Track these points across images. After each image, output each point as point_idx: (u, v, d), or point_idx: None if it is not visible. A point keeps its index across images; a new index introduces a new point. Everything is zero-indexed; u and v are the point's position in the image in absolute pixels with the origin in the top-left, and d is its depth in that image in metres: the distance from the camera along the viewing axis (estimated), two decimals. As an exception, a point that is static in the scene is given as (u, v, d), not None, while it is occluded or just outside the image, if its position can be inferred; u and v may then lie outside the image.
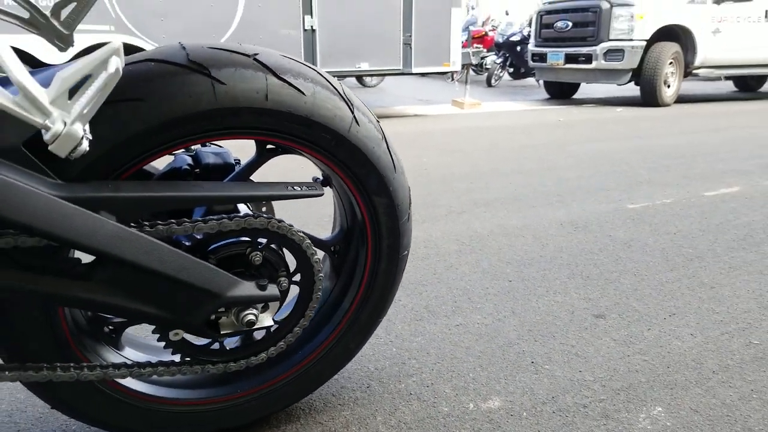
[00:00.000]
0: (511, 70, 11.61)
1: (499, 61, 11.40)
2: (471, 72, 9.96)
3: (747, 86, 10.23)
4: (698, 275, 2.04)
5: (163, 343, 1.00)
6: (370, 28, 6.63)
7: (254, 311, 0.97)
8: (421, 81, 12.12)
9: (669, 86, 7.69)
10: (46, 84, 0.74)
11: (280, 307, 1.07)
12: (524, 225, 2.61)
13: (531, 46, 8.84)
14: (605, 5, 7.64)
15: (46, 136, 0.68)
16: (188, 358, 1.03)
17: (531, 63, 8.95)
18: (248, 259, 1.00)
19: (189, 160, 1.10)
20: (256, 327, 0.99)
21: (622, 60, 7.55)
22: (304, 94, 0.98)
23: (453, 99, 8.06)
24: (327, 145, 1.02)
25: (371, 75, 9.68)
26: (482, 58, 11.94)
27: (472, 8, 12.13)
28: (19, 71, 0.67)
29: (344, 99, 1.03)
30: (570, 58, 8.05)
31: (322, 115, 0.99)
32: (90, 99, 0.69)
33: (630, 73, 7.62)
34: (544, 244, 2.36)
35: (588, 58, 7.82)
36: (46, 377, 0.90)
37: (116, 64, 0.70)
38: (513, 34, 11.29)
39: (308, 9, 6.31)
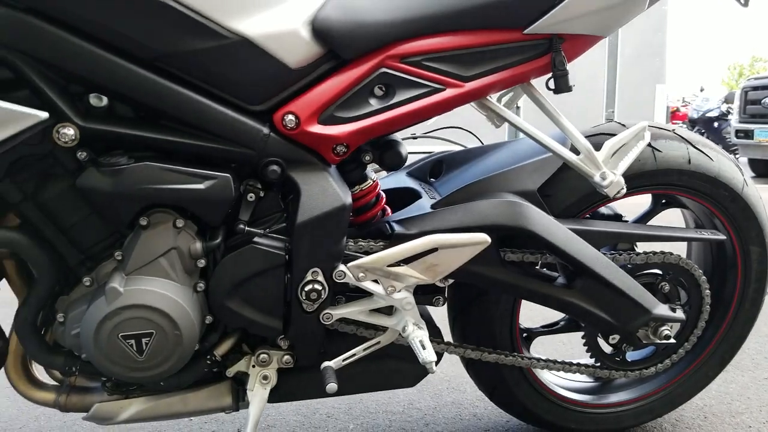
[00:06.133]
0: (706, 146, 11.14)
1: (692, 136, 11.02)
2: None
3: None
4: None
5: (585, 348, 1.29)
6: (572, 102, 6.86)
7: (669, 327, 1.23)
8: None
9: None
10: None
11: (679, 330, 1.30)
12: (791, 297, 2.61)
13: (734, 122, 8.46)
14: (823, 79, 7.22)
15: (604, 183, 1.01)
16: (599, 364, 1.30)
17: (734, 140, 8.55)
18: (657, 288, 1.26)
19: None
20: (666, 342, 1.24)
21: None
22: (712, 159, 1.25)
23: (649, 173, 7.94)
24: (723, 201, 1.27)
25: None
26: (677, 133, 11.61)
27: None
28: (584, 141, 1.02)
29: (736, 165, 1.29)
30: (781, 135, 7.62)
31: (724, 176, 1.25)
32: (630, 160, 1.02)
33: None
34: (822, 316, 2.36)
35: (803, 136, 7.36)
36: (512, 361, 1.22)
37: (648, 136, 1.02)
38: (709, 110, 10.90)
39: (512, 86, 6.76)
